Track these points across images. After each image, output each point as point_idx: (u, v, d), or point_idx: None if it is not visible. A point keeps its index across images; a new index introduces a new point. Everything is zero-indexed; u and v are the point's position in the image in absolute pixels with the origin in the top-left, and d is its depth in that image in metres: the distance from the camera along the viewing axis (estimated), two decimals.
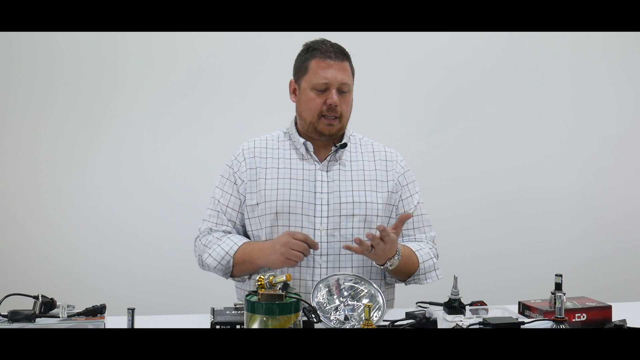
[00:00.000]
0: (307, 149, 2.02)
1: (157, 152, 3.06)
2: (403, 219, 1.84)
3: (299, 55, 2.03)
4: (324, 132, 1.98)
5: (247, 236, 2.05)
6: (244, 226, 2.06)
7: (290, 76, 2.07)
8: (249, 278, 2.01)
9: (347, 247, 1.82)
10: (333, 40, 2.02)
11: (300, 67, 2.01)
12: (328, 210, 1.96)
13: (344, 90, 1.97)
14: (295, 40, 2.07)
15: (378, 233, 1.77)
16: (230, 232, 2.03)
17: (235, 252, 1.94)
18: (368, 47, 3.00)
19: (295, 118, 2.07)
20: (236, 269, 1.97)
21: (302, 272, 1.93)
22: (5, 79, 2.97)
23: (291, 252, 1.83)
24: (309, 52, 2.00)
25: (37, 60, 2.97)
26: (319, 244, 1.93)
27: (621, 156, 3.38)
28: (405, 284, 2.05)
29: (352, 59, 2.03)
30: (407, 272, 1.98)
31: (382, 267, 1.88)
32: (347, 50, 2.01)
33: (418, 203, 2.09)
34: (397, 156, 2.11)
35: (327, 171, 2.00)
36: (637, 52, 3.38)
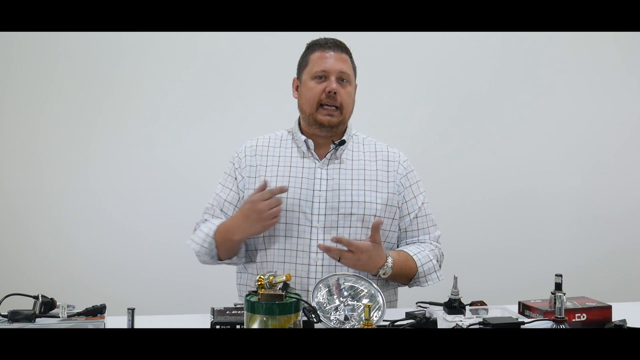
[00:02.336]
0: (307, 147, 2.02)
1: (158, 151, 3.06)
2: (376, 226, 1.84)
3: (302, 55, 2.07)
4: (323, 123, 1.98)
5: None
6: None
7: (293, 74, 2.09)
8: (237, 258, 2.02)
9: (322, 248, 1.83)
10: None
11: (302, 63, 2.05)
12: (326, 208, 1.96)
13: (343, 79, 1.98)
14: (300, 40, 2.09)
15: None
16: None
17: (215, 232, 1.96)
18: (371, 45, 3.00)
19: (299, 118, 2.08)
20: (221, 250, 1.98)
21: (297, 270, 1.94)
22: (7, 77, 2.97)
23: (268, 213, 1.85)
24: (310, 48, 2.04)
25: (38, 59, 2.97)
26: (316, 241, 1.93)
27: (621, 155, 3.38)
28: (409, 287, 2.06)
29: (357, 58, 2.05)
30: (405, 277, 1.99)
31: (375, 277, 1.89)
32: (348, 48, 2.05)
33: (422, 204, 2.08)
34: (399, 156, 2.10)
35: (326, 169, 2.01)
36: (637, 50, 3.38)
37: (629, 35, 3.30)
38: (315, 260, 1.94)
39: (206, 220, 2.07)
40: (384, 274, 1.88)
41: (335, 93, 1.96)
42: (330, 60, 1.98)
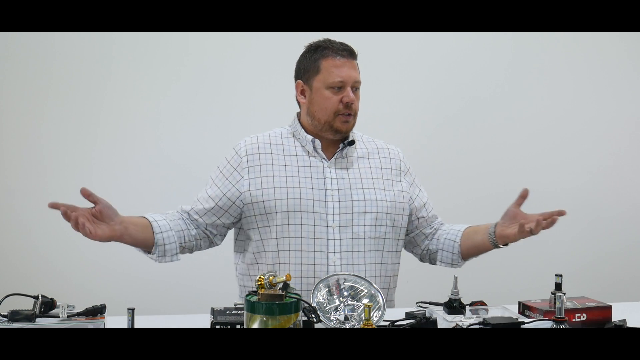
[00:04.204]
0: (314, 147, 2.02)
1: (159, 151, 3.06)
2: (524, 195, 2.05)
3: (305, 56, 2.03)
4: (340, 130, 1.99)
5: (248, 237, 2.04)
6: (212, 223, 2.02)
7: (289, 74, 2.07)
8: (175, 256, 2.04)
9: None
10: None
11: (311, 67, 2.00)
12: (340, 208, 1.97)
13: (357, 88, 2.01)
14: (298, 41, 2.08)
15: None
16: (196, 220, 2.02)
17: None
18: (371, 44, 2.98)
19: (298, 115, 2.07)
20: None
21: (316, 271, 1.93)
22: (7, 77, 2.97)
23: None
24: (318, 51, 2.00)
25: (39, 59, 2.98)
26: (332, 241, 1.94)
27: (622, 155, 3.38)
28: (455, 266, 2.14)
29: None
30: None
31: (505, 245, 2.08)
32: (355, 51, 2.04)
33: (427, 198, 2.16)
34: (399, 153, 2.14)
35: (335, 168, 2.01)
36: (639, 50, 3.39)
37: (633, 35, 3.29)
38: (334, 261, 1.93)
39: (183, 210, 2.07)
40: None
41: (352, 103, 1.98)
42: (344, 69, 1.97)
